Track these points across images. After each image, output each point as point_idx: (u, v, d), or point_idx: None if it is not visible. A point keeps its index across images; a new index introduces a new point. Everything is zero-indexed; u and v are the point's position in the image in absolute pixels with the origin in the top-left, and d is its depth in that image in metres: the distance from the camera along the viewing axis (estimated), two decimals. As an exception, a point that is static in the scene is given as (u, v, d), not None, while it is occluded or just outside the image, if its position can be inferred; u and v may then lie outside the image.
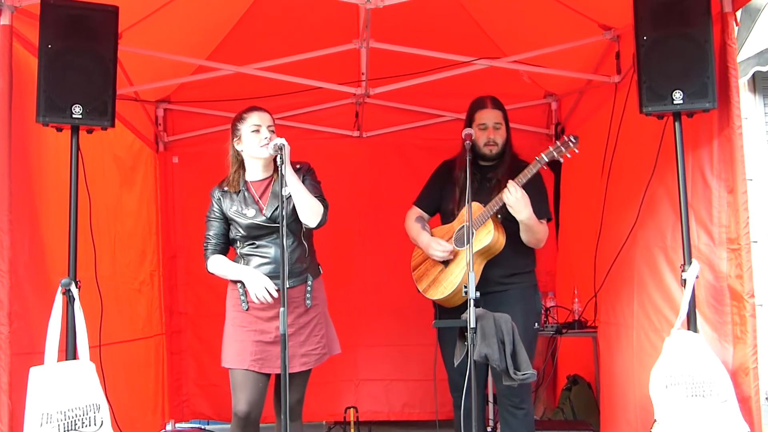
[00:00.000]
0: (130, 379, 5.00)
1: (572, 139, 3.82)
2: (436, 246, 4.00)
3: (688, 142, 3.78)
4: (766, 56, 6.96)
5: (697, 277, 3.62)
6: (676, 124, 3.73)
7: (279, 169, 3.27)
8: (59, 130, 3.65)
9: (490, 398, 5.16)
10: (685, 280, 3.63)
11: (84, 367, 3.54)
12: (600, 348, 4.91)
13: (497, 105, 4.14)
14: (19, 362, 3.47)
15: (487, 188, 4.03)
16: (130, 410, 4.79)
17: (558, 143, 3.83)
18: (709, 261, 3.73)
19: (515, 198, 3.77)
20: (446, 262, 4.02)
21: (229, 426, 3.59)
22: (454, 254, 3.98)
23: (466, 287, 3.38)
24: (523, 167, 3.93)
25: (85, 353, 3.56)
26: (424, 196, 4.30)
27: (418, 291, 4.13)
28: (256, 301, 3.50)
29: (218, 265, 3.62)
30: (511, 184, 3.79)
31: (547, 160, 3.83)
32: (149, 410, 5.60)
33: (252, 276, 3.51)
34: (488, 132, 4.07)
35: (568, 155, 3.85)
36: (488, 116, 4.11)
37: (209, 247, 3.64)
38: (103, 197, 4.59)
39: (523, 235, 3.95)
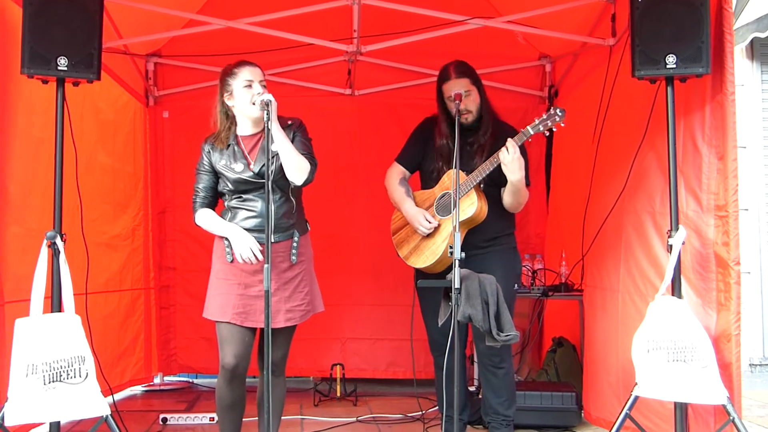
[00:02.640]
0: (98, 331, 4.97)
1: (558, 113, 3.78)
2: (423, 221, 3.98)
3: (680, 107, 3.78)
4: (765, 22, 6.88)
5: (683, 243, 3.64)
6: (669, 88, 3.72)
7: (266, 125, 3.23)
8: (45, 82, 3.61)
9: (476, 359, 5.20)
10: (671, 246, 3.65)
11: (69, 319, 3.55)
12: (585, 311, 4.94)
13: (462, 72, 4.05)
14: (14, 314, 3.49)
15: (469, 153, 4.01)
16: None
17: (544, 116, 3.80)
18: (696, 227, 3.75)
19: (512, 158, 3.74)
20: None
21: (216, 380, 3.62)
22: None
23: (451, 247, 3.39)
24: (507, 130, 3.90)
25: (71, 306, 3.57)
26: (405, 153, 4.27)
27: (398, 256, 4.14)
28: (240, 260, 3.49)
29: (205, 218, 3.61)
30: (510, 142, 3.75)
31: (532, 133, 3.81)
32: (128, 363, 5.62)
33: (238, 235, 3.50)
34: (458, 101, 3.96)
35: (554, 129, 3.81)
36: (454, 87, 4.01)
37: (198, 199, 3.63)
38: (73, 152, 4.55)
39: (507, 198, 3.95)
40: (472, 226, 3.93)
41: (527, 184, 3.99)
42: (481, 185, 3.92)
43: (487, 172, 3.84)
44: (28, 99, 3.85)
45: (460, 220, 3.84)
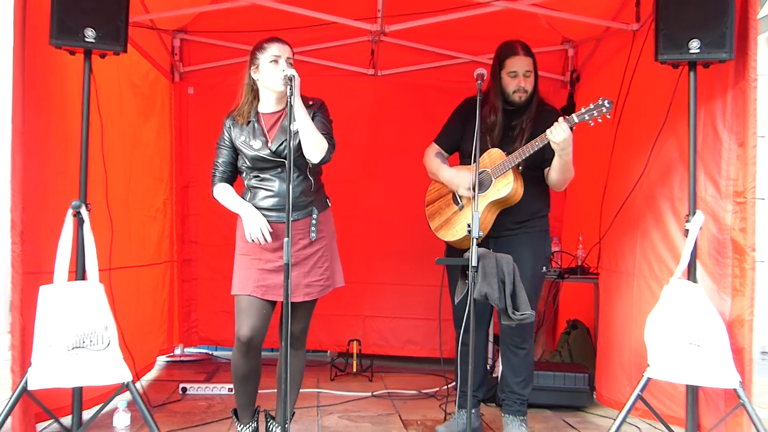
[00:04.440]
0: (140, 303, 5.08)
1: (606, 104, 3.62)
2: (464, 182, 3.89)
3: (702, 92, 3.74)
4: (789, 12, 6.77)
5: (700, 228, 3.61)
6: (691, 73, 3.69)
7: (288, 100, 3.21)
8: (72, 53, 3.62)
9: (491, 338, 5.19)
10: (688, 231, 3.62)
11: (93, 287, 3.57)
12: (600, 294, 4.91)
13: (528, 52, 3.98)
14: (39, 281, 3.51)
15: (510, 137, 3.93)
16: (139, 332, 4.91)
17: (591, 106, 3.64)
18: (713, 213, 3.72)
19: (564, 136, 3.63)
20: (461, 206, 3.98)
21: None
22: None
23: (469, 225, 3.36)
24: (548, 112, 3.85)
25: (95, 274, 3.59)
26: (444, 134, 4.17)
27: (430, 228, 4.10)
28: (249, 240, 3.48)
29: (222, 193, 3.60)
30: (561, 121, 3.65)
31: (577, 121, 3.66)
32: (159, 334, 5.69)
33: (250, 215, 3.49)
34: (518, 80, 3.91)
35: (600, 120, 3.66)
36: (519, 64, 3.94)
37: (217, 173, 3.62)
38: (119, 125, 4.58)
39: (556, 175, 3.87)
40: (505, 207, 3.86)
41: None
42: (520, 167, 3.85)
43: (529, 154, 3.76)
44: (75, 73, 3.79)
45: (494, 198, 3.81)
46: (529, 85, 3.96)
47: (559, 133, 3.64)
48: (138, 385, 4.07)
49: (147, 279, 5.30)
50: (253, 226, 3.47)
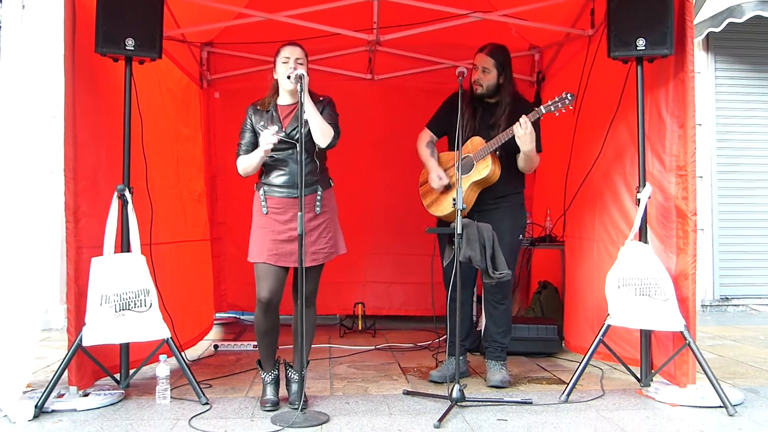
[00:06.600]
0: (199, 271, 5.19)
1: (568, 97, 3.65)
2: (436, 178, 3.93)
3: (648, 83, 3.71)
4: (718, 19, 6.75)
5: (649, 198, 3.60)
6: (639, 67, 3.67)
7: (299, 96, 3.19)
8: (115, 60, 3.56)
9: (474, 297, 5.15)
10: (639, 200, 3.61)
11: (136, 258, 3.54)
12: (566, 258, 4.88)
13: (492, 53, 3.94)
14: (90, 254, 3.47)
15: (488, 125, 3.91)
16: (202, 295, 5.09)
17: (556, 99, 3.67)
18: (660, 184, 3.69)
19: (524, 132, 3.64)
20: (447, 186, 3.95)
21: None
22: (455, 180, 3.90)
23: (454, 199, 3.33)
24: (523, 108, 3.81)
25: (137, 247, 3.55)
26: (434, 121, 4.14)
27: (422, 205, 4.07)
28: (268, 147, 3.35)
29: (243, 158, 3.53)
30: (523, 118, 3.65)
31: (544, 112, 3.69)
32: (206, 299, 5.67)
33: (262, 141, 3.39)
34: (476, 73, 3.92)
35: (563, 110, 3.68)
36: (479, 60, 3.95)
37: (240, 152, 3.57)
38: (165, 123, 4.55)
39: (522, 163, 3.86)
40: (486, 186, 3.84)
41: (539, 151, 3.89)
42: (497, 152, 3.82)
43: (503, 142, 3.74)
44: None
45: (476, 179, 3.79)
46: (484, 81, 3.91)
47: (518, 129, 3.65)
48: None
49: (204, 251, 5.37)
50: (265, 141, 3.36)
